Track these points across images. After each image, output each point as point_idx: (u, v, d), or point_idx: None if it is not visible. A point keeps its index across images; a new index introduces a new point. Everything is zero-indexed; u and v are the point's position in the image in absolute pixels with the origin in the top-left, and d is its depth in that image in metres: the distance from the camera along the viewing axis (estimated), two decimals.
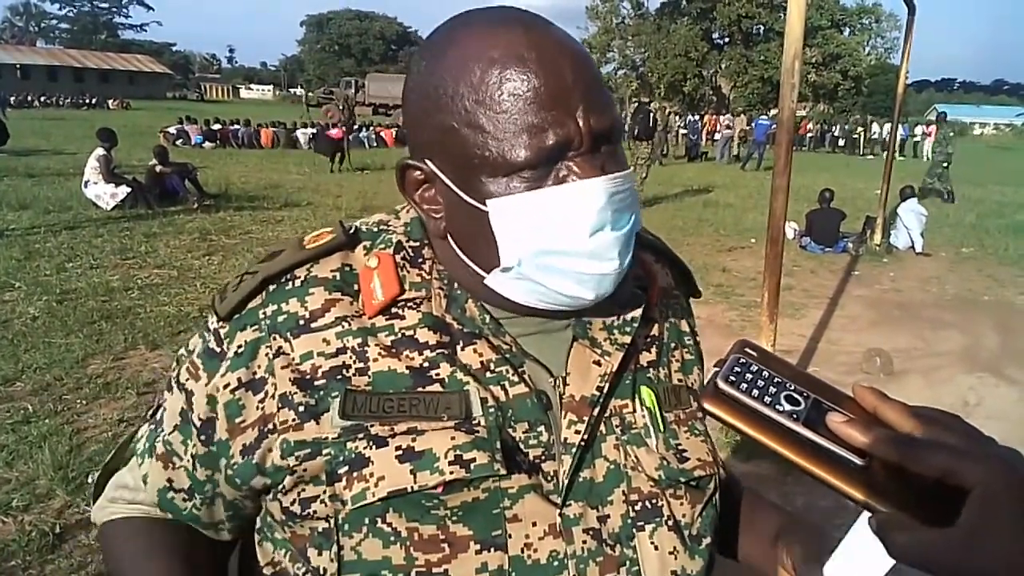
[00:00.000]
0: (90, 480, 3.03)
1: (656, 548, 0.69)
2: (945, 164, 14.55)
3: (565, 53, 0.64)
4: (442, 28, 0.69)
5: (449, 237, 0.71)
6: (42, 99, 39.12)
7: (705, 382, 0.60)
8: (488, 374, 0.69)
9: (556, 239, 0.63)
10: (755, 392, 0.57)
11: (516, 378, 0.69)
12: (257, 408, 0.69)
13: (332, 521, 0.65)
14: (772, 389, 0.57)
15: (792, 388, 0.58)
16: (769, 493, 3.28)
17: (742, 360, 0.60)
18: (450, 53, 0.65)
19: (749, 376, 0.58)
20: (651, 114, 11.78)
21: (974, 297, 7.33)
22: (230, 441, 0.70)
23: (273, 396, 0.68)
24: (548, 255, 0.64)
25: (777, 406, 0.56)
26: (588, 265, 0.64)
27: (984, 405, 4.55)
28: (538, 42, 0.63)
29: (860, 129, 30.84)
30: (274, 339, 0.69)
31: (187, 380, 0.74)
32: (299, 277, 0.72)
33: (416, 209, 0.73)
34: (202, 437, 0.72)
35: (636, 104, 12.32)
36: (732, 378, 0.58)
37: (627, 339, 0.74)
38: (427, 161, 0.68)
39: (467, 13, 0.69)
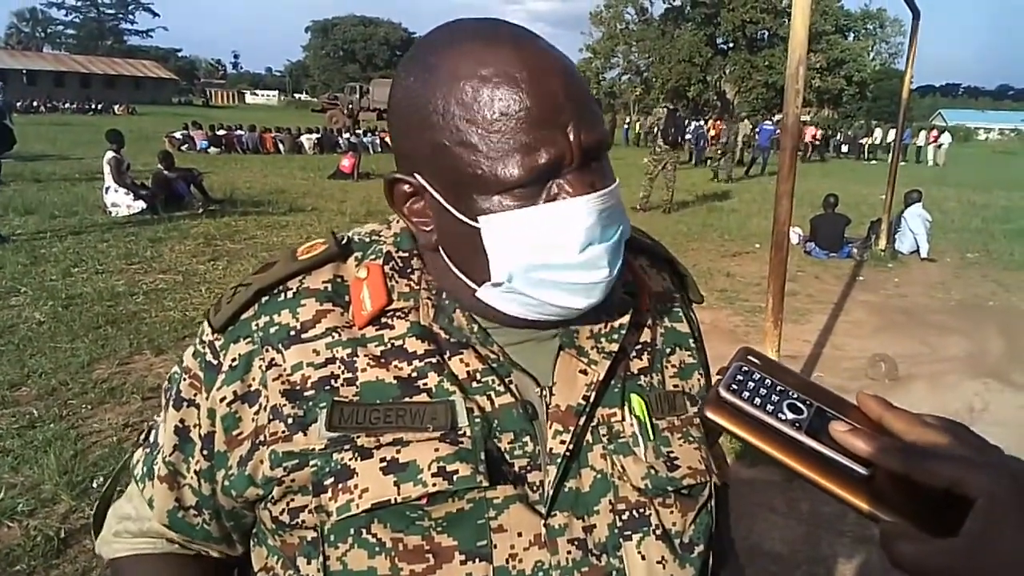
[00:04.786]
0: (95, 485, 3.04)
1: (643, 558, 0.68)
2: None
3: (555, 70, 0.63)
4: (428, 41, 0.68)
5: (441, 250, 0.70)
6: (48, 104, 39.25)
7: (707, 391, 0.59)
8: (474, 384, 0.69)
9: (547, 255, 0.64)
10: (757, 400, 0.57)
11: (502, 388, 0.69)
12: (252, 420, 0.69)
13: (318, 531, 0.65)
14: (775, 397, 0.57)
15: (795, 396, 0.57)
16: (774, 499, 3.31)
17: (744, 368, 0.60)
18: (439, 70, 0.64)
19: (751, 384, 0.58)
20: (684, 120, 12.05)
21: (979, 302, 7.31)
22: (228, 453, 0.71)
23: (265, 408, 0.68)
24: (539, 270, 0.64)
25: (780, 415, 0.56)
26: (579, 276, 0.65)
27: (990, 411, 4.52)
28: (528, 60, 0.63)
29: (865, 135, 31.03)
30: (267, 351, 0.70)
31: (194, 395, 0.74)
32: (291, 288, 0.73)
33: (406, 222, 0.72)
34: (204, 452, 0.73)
35: (667, 110, 12.41)
36: (734, 386, 0.58)
37: (614, 347, 0.73)
38: (416, 175, 0.68)
39: (452, 27, 0.68)
